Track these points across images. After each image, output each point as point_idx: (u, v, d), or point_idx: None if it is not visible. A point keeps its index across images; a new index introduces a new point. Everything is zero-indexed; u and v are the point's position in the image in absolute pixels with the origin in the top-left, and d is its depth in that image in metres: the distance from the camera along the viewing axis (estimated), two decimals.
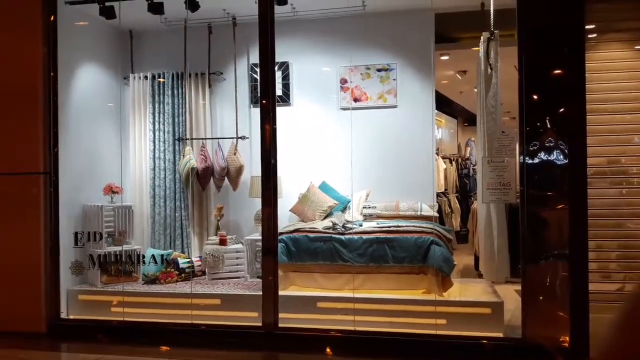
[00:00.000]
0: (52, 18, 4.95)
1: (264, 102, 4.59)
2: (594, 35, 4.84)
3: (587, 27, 4.77)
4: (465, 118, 10.89)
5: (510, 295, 4.91)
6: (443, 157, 8.52)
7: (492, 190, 4.18)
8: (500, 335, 4.32)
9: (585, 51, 4.72)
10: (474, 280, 5.50)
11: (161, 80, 6.24)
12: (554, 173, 4.10)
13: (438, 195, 7.49)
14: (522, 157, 4.11)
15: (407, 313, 4.54)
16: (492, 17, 4.64)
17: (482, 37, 4.72)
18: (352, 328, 4.46)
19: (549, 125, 4.13)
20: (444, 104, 9.75)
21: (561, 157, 4.06)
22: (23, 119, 4.91)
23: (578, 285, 4.04)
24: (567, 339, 4.03)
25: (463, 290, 5.04)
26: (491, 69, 4.56)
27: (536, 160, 4.09)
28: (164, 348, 4.58)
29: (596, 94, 4.73)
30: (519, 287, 4.31)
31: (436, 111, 9.13)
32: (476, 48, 5.09)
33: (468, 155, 9.66)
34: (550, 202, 4.15)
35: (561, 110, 4.14)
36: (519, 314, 4.22)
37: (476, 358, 4.17)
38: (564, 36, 4.15)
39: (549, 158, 4.08)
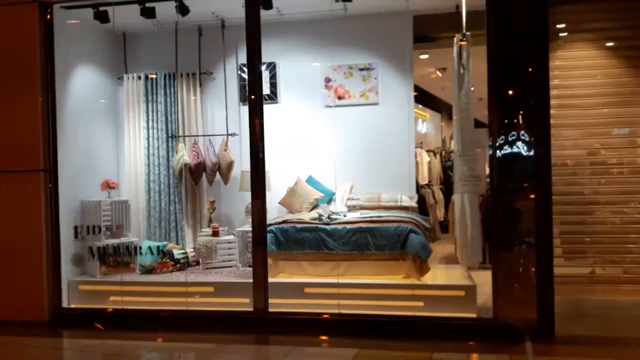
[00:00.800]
0: (48, 17, 5.19)
1: (252, 97, 4.84)
2: (565, 34, 5.16)
3: (558, 26, 5.10)
4: (448, 112, 11.16)
5: (487, 280, 5.20)
6: (427, 150, 8.79)
7: (464, 182, 4.49)
8: (474, 316, 4.63)
9: (559, 50, 5.05)
10: (451, 266, 5.81)
11: (153, 76, 6.47)
12: (521, 165, 4.39)
13: (422, 187, 7.79)
14: (492, 151, 4.41)
15: (388, 297, 4.84)
16: (464, 20, 4.93)
17: (455, 39, 5.02)
18: (337, 311, 4.77)
19: (516, 121, 4.43)
20: (428, 99, 10.04)
21: (527, 149, 4.36)
22: (23, 119, 5.15)
23: (544, 269, 4.36)
24: (535, 317, 4.35)
25: (441, 275, 5.38)
26: (464, 69, 4.86)
27: (505, 153, 4.38)
28: (161, 333, 4.85)
29: (573, 90, 5.05)
30: None
31: (421, 106, 9.45)
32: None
33: (452, 148, 9.94)
34: (518, 192, 4.43)
35: (528, 106, 4.43)
36: None
37: (451, 337, 4.45)
38: (530, 36, 4.42)
39: (517, 151, 4.37)
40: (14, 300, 5.17)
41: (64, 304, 5.33)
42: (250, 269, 5.13)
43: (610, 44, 5.10)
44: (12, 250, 5.19)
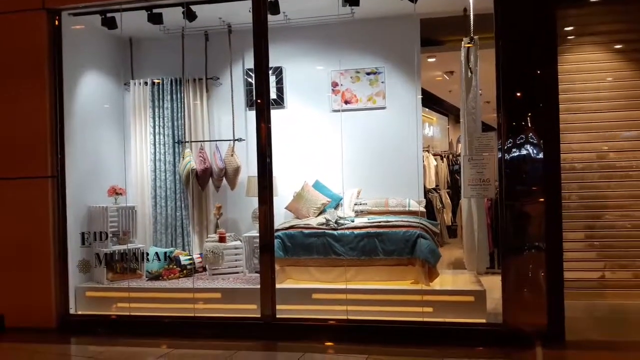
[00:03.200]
0: (56, 23, 5.24)
1: (259, 101, 4.84)
2: (573, 37, 5.15)
3: (566, 29, 5.09)
4: (456, 116, 11.19)
5: (496, 285, 5.18)
6: (434, 154, 8.77)
7: (472, 186, 4.47)
8: (483, 321, 4.60)
9: (567, 53, 5.04)
10: (460, 271, 5.78)
11: (157, 81, 6.50)
12: (530, 168, 4.37)
13: (430, 191, 7.77)
14: (500, 154, 4.39)
15: (397, 302, 4.83)
16: (471, 24, 4.92)
17: (462, 42, 5.00)
18: (345, 317, 4.75)
19: (525, 124, 4.41)
20: (435, 102, 10.05)
21: (536, 152, 4.33)
22: (31, 125, 5.19)
23: (554, 274, 4.33)
24: (545, 322, 4.31)
25: (450, 280, 5.34)
26: (471, 72, 4.85)
27: (513, 157, 4.36)
28: (169, 340, 4.83)
29: (581, 93, 5.04)
30: None
31: (427, 109, 9.45)
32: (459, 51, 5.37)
33: (459, 151, 9.94)
34: (527, 196, 4.41)
35: (536, 109, 4.41)
36: None
37: (461, 343, 4.43)
38: (538, 39, 4.41)
39: (525, 154, 4.35)
40: (22, 306, 5.18)
41: (72, 311, 5.34)
42: (257, 275, 5.14)
43: (618, 46, 5.08)
44: (19, 256, 5.21)
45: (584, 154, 5.12)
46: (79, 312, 5.39)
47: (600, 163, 5.13)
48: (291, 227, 5.50)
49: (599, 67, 5.07)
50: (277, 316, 4.82)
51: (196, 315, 5.08)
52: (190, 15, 5.54)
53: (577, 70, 5.07)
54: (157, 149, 6.51)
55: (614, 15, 4.99)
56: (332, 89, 6.35)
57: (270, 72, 5.01)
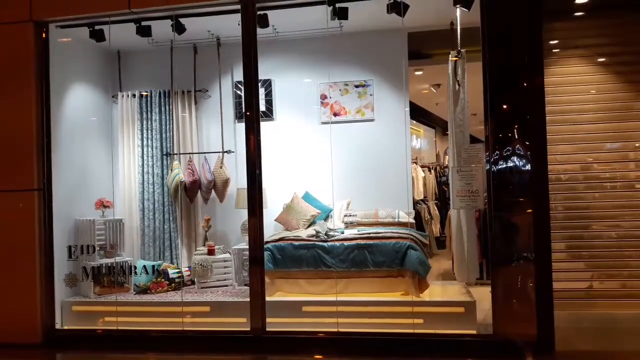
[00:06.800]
0: (44, 36, 5.21)
1: (248, 113, 4.84)
2: (559, 50, 5.24)
3: (552, 42, 5.18)
4: (443, 128, 11.27)
5: (485, 296, 5.20)
6: (422, 166, 8.83)
7: (461, 197, 4.50)
8: (474, 332, 4.61)
9: (553, 65, 5.12)
10: (450, 283, 5.79)
11: (145, 93, 6.48)
12: (517, 179, 4.41)
13: (418, 202, 7.81)
14: (488, 166, 4.42)
15: (387, 314, 4.82)
16: (458, 37, 4.98)
17: (449, 56, 5.06)
18: (335, 330, 4.72)
19: (512, 136, 4.45)
20: (422, 115, 10.13)
21: (524, 164, 4.38)
22: (17, 137, 5.12)
23: (543, 284, 4.35)
24: (535, 333, 4.32)
25: (440, 291, 5.35)
26: (459, 85, 4.90)
27: (501, 168, 4.40)
28: (157, 354, 4.78)
29: (567, 105, 5.11)
30: None
31: (415, 121, 9.53)
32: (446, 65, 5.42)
33: (446, 163, 10.01)
34: (515, 207, 4.44)
35: (523, 121, 4.46)
36: None
37: (451, 354, 4.43)
38: (525, 52, 4.46)
39: (513, 165, 4.39)
40: (6, 321, 5.08)
41: (58, 325, 5.25)
42: (247, 287, 5.11)
43: (603, 59, 5.18)
44: (4, 270, 5.11)
45: (570, 165, 5.19)
46: (65, 327, 5.31)
47: (586, 174, 5.20)
48: (281, 239, 5.48)
49: (585, 80, 5.16)
50: (267, 329, 4.78)
51: (185, 329, 5.03)
52: (179, 28, 5.53)
53: (563, 82, 5.15)
54: (145, 162, 6.47)
55: (599, 29, 5.09)
56: (321, 102, 6.38)
57: (259, 84, 5.00)
